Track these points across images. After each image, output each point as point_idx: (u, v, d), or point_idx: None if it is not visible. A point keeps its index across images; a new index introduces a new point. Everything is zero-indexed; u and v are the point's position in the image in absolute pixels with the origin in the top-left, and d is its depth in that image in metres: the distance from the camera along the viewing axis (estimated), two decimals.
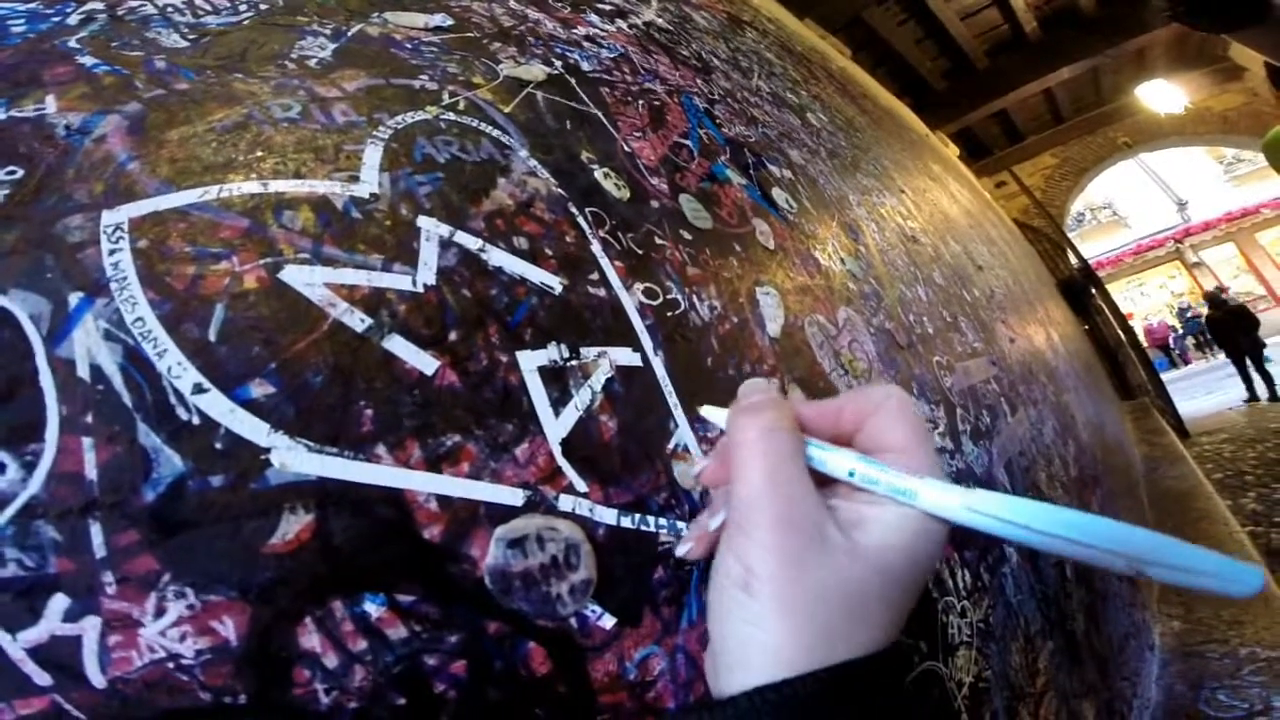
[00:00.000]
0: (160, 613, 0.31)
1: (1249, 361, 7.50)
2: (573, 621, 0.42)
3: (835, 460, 0.31)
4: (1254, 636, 1.67)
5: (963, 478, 1.07)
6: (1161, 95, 7.58)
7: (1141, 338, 10.02)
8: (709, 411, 0.40)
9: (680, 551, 0.35)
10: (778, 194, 1.10)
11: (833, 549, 0.28)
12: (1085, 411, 2.66)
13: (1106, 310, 7.43)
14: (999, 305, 2.23)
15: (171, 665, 0.30)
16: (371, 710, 0.33)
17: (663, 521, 0.50)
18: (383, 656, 0.35)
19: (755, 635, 0.27)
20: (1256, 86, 7.57)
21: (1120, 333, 7.47)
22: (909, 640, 0.71)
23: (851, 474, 0.31)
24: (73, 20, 0.49)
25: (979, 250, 2.70)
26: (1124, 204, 15.99)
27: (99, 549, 0.31)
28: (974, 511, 0.28)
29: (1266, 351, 7.44)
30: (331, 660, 0.33)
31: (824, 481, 0.32)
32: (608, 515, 0.47)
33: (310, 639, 0.33)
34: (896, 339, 1.13)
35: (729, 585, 0.29)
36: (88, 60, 0.47)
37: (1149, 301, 16.45)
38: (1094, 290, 7.27)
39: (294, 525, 0.34)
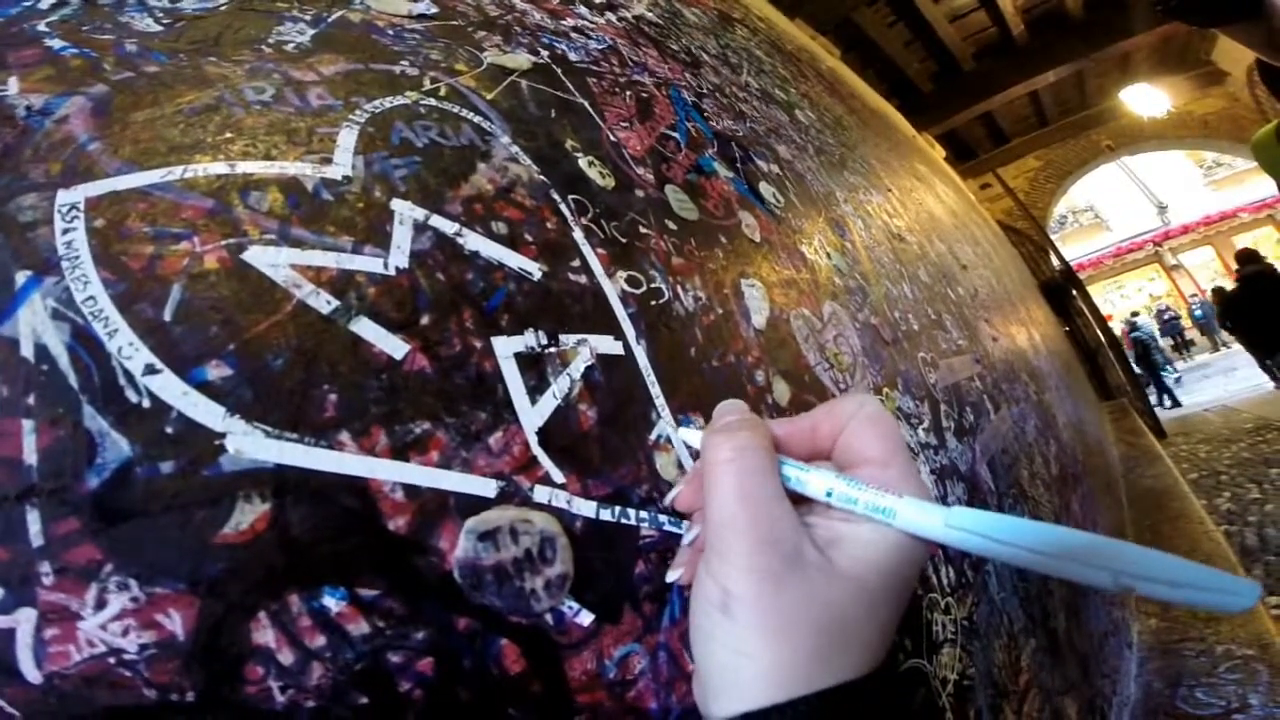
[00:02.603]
0: (101, 605, 0.29)
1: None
2: (548, 618, 0.41)
3: (812, 481, 0.31)
4: (1230, 634, 1.69)
5: (947, 474, 1.06)
6: (1145, 99, 7.68)
7: (1121, 339, 10.24)
8: (685, 434, 0.39)
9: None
10: (765, 188, 1.09)
11: (810, 569, 0.27)
12: (1066, 411, 2.68)
13: (1087, 312, 7.51)
14: (983, 304, 2.24)
15: (113, 660, 0.28)
16: (331, 710, 0.32)
17: (644, 515, 0.49)
18: (343, 653, 0.33)
19: (737, 659, 0.26)
20: (1237, 91, 7.70)
21: (1100, 334, 7.57)
22: (896, 639, 0.70)
23: (829, 494, 0.30)
24: (44, 4, 0.47)
25: (963, 250, 2.72)
26: (1105, 207, 16.20)
27: (36, 537, 0.29)
28: (955, 529, 0.27)
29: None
30: (287, 657, 0.31)
31: (799, 499, 0.31)
32: (586, 508, 0.46)
33: (264, 634, 0.31)
34: (882, 334, 1.13)
35: (709, 608, 0.28)
36: (56, 43, 0.45)
37: (1128, 303, 16.68)
38: (1075, 292, 7.36)
39: (249, 515, 0.32)
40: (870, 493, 0.29)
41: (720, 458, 0.30)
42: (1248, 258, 6.58)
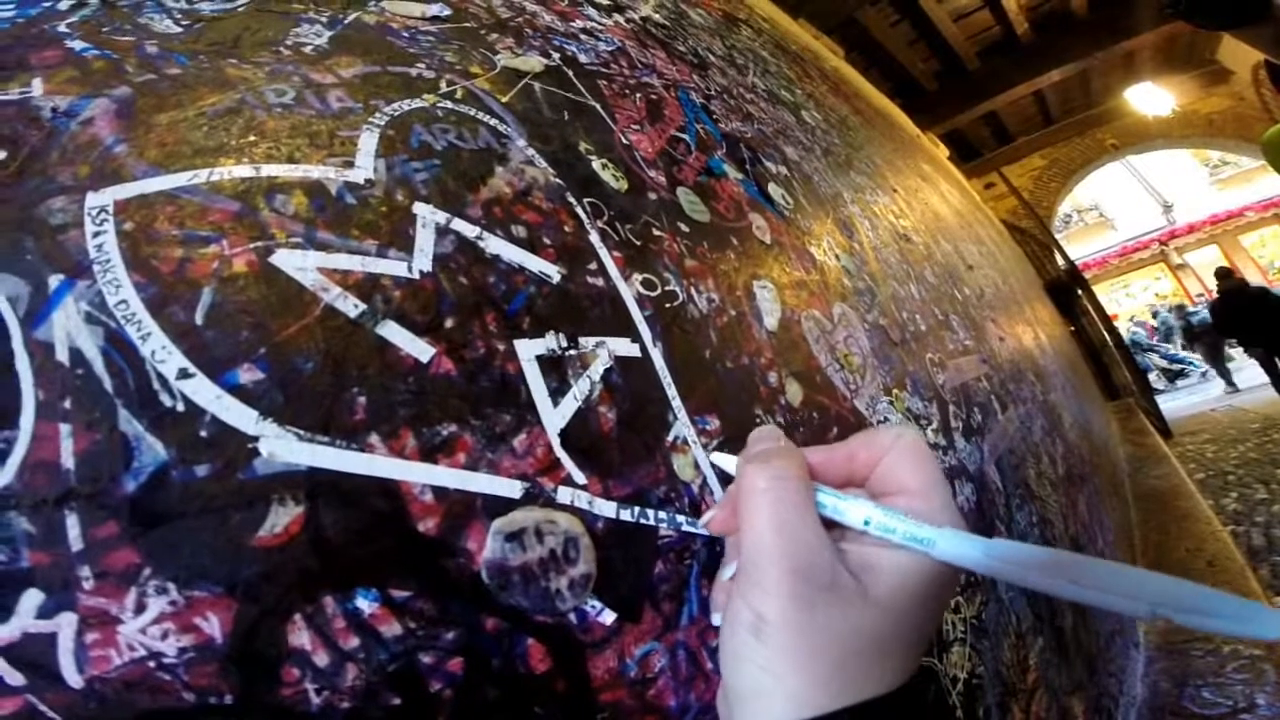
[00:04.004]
0: (141, 609, 0.29)
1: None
2: (572, 617, 0.41)
3: (850, 510, 0.31)
4: None
5: (955, 474, 1.06)
6: (1150, 98, 7.66)
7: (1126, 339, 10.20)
8: (720, 459, 0.40)
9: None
10: (774, 190, 1.09)
11: (845, 594, 0.28)
12: (1072, 411, 2.68)
13: (1092, 311, 7.50)
14: (989, 304, 2.24)
15: (153, 664, 0.29)
16: (365, 710, 0.32)
17: (662, 515, 0.49)
18: (376, 654, 0.33)
19: (767, 680, 0.27)
20: (1242, 90, 7.67)
21: (1105, 334, 7.55)
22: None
23: (867, 523, 0.30)
24: (63, 5, 0.48)
25: (969, 250, 2.71)
26: (1110, 206, 16.12)
27: (75, 541, 0.29)
28: (994, 560, 0.28)
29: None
30: (322, 659, 0.32)
31: (831, 524, 0.31)
32: (607, 508, 0.46)
33: (300, 636, 0.32)
34: (890, 335, 1.13)
35: (740, 630, 0.28)
36: (77, 44, 0.45)
37: (1134, 303, 16.59)
38: (1080, 291, 7.34)
39: (283, 517, 0.33)
40: (908, 523, 0.29)
41: (757, 487, 0.31)
42: (1224, 274, 7.26)
